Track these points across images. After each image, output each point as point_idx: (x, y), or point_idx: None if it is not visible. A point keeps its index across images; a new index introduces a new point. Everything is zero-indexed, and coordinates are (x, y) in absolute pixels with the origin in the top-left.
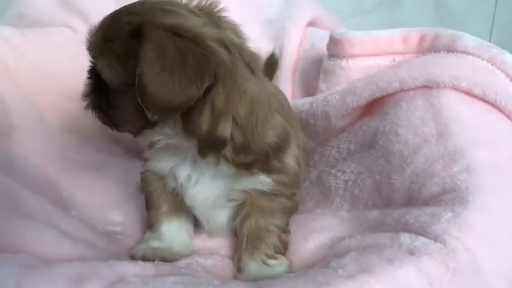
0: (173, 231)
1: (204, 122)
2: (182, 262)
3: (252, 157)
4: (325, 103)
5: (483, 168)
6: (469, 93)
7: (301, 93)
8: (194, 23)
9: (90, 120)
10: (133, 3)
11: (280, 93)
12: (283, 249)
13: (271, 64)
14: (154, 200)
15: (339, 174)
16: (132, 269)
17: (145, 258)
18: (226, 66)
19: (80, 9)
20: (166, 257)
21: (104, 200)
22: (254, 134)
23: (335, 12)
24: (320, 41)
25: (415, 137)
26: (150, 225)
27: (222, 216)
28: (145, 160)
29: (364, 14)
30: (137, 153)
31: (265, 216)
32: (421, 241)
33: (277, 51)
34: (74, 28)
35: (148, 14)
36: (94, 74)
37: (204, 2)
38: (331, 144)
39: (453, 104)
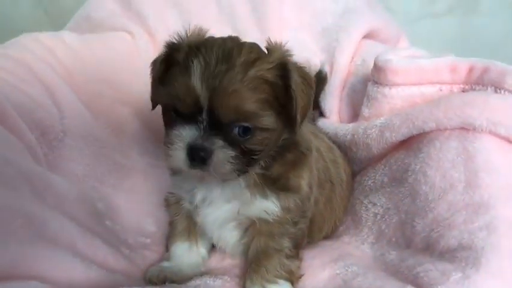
0: (183, 252)
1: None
2: (191, 284)
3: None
4: (365, 136)
5: (506, 227)
6: (508, 139)
7: (348, 110)
8: None
9: (141, 124)
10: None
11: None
12: (285, 274)
13: (319, 81)
14: (172, 221)
15: (370, 206)
16: None
17: (151, 282)
18: None
19: (141, 15)
20: (170, 277)
21: (141, 205)
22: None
23: (402, 14)
24: (373, 56)
25: (442, 180)
26: (167, 246)
27: (231, 237)
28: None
29: (434, 18)
30: None
31: (266, 240)
32: None
33: (327, 65)
34: (132, 33)
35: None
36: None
37: None
38: (368, 175)
39: (488, 151)
